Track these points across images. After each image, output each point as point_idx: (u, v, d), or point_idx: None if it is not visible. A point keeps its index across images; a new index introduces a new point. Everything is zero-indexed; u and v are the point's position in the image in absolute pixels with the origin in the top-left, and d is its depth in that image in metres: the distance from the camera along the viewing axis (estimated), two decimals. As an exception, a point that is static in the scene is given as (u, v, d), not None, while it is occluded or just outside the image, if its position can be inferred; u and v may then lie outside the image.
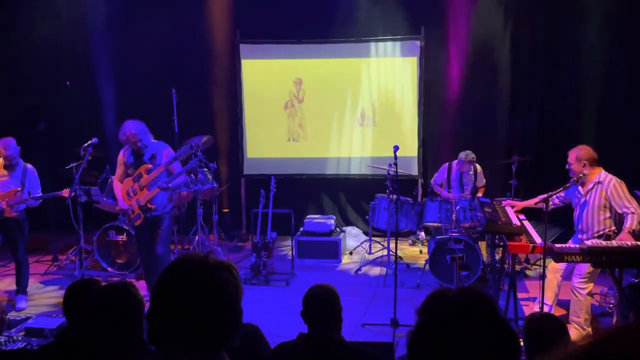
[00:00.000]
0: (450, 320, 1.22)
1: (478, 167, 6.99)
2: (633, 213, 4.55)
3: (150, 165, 5.38)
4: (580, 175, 4.73)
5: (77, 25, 8.07)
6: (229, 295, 1.42)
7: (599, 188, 4.70)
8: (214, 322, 1.39)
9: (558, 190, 4.79)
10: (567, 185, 4.79)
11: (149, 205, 5.37)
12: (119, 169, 5.55)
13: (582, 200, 4.80)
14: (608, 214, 4.71)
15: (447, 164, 6.98)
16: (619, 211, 4.63)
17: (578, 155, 4.77)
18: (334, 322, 2.71)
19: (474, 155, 6.73)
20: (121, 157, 5.52)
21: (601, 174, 4.75)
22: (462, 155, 6.71)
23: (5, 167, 5.68)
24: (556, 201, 5.09)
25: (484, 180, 6.99)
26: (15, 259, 5.80)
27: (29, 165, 5.83)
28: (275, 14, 7.90)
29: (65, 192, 5.84)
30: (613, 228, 4.72)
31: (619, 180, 4.71)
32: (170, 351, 1.39)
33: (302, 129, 8.25)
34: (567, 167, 4.85)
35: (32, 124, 7.31)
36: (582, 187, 4.80)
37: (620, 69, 7.18)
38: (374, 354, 2.70)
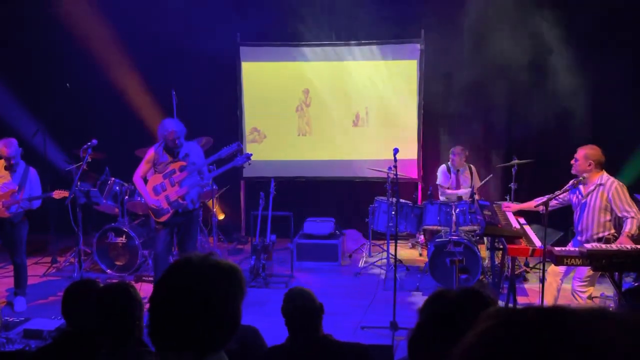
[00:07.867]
0: (451, 320, 1.22)
1: (473, 167, 6.98)
2: (633, 217, 4.55)
3: (184, 163, 5.41)
4: (581, 178, 4.72)
5: (77, 27, 8.07)
6: (226, 297, 1.41)
7: (600, 190, 4.69)
8: (211, 323, 1.38)
9: (557, 193, 4.79)
10: (567, 187, 4.79)
11: (180, 201, 5.39)
12: (144, 167, 5.48)
13: (583, 201, 4.80)
14: (608, 217, 4.70)
15: (443, 166, 6.98)
16: (619, 214, 4.62)
17: (587, 153, 4.75)
18: (314, 322, 2.73)
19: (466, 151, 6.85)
20: (152, 155, 5.45)
21: (603, 176, 4.74)
22: (456, 149, 6.78)
23: (6, 168, 5.65)
24: (554, 202, 5.07)
25: (480, 181, 6.99)
26: (13, 261, 5.77)
27: (31, 168, 5.79)
28: (275, 17, 7.91)
29: (56, 194, 5.81)
30: (612, 231, 4.71)
31: (620, 183, 4.70)
32: (169, 351, 1.38)
33: (309, 126, 8.32)
34: (572, 161, 4.82)
35: (31, 129, 7.28)
36: (583, 188, 4.79)
37: (620, 72, 7.17)
38: (363, 346, 2.74)
